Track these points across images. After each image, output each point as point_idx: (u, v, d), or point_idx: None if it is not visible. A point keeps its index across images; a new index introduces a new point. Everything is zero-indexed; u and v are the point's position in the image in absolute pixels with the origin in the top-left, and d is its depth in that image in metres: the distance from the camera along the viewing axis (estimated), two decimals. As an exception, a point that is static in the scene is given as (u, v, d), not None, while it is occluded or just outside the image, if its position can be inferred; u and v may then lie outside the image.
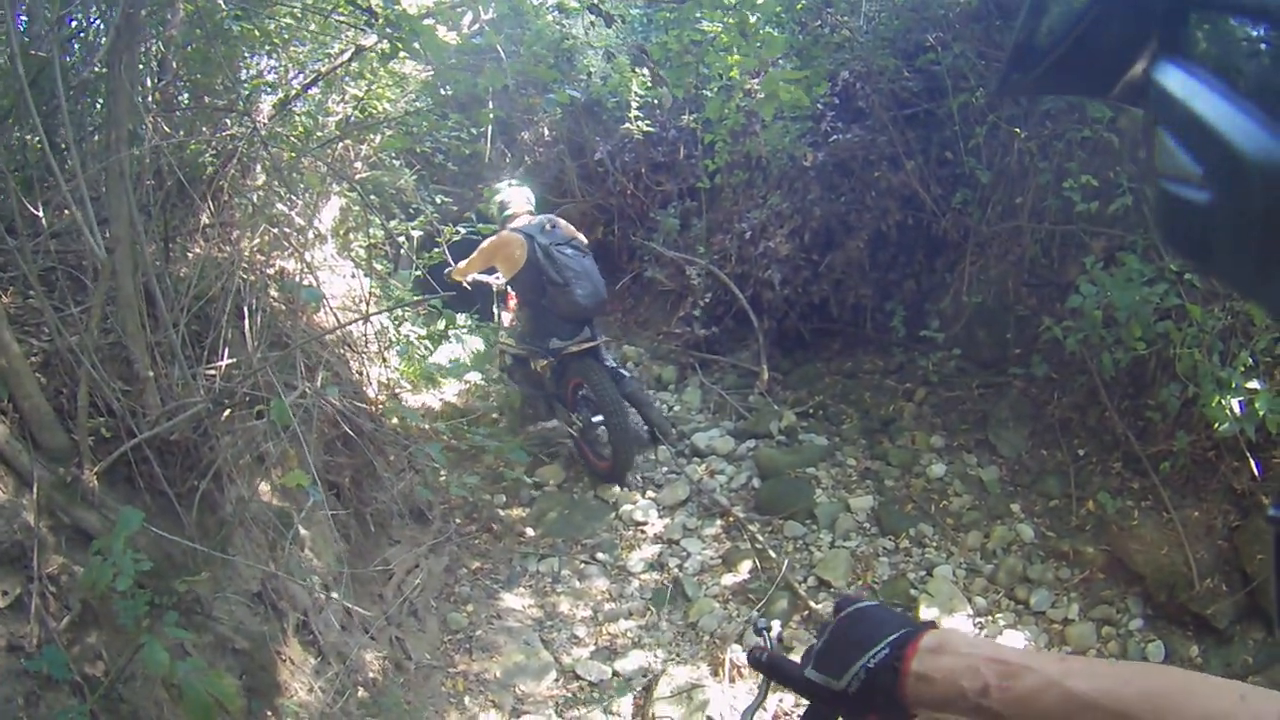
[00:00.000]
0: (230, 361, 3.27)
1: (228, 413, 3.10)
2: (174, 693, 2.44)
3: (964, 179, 5.41)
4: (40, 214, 2.78)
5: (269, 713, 2.91)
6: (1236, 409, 3.59)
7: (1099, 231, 4.72)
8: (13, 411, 2.53)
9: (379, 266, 6.18)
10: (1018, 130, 5.07)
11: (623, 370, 5.63)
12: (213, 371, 3.20)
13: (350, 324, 4.67)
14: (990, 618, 4.04)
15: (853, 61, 5.75)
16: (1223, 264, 0.49)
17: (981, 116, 5.22)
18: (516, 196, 5.72)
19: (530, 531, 5.00)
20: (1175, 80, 0.49)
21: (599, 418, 5.12)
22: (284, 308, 4.12)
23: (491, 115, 6.00)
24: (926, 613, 3.98)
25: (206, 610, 2.85)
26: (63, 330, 2.69)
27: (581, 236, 5.57)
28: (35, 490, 2.42)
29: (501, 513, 5.18)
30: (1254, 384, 3.63)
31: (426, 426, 5.07)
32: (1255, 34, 0.47)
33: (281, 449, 3.41)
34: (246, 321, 3.55)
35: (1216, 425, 3.67)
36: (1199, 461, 4.06)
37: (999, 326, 5.29)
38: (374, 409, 4.62)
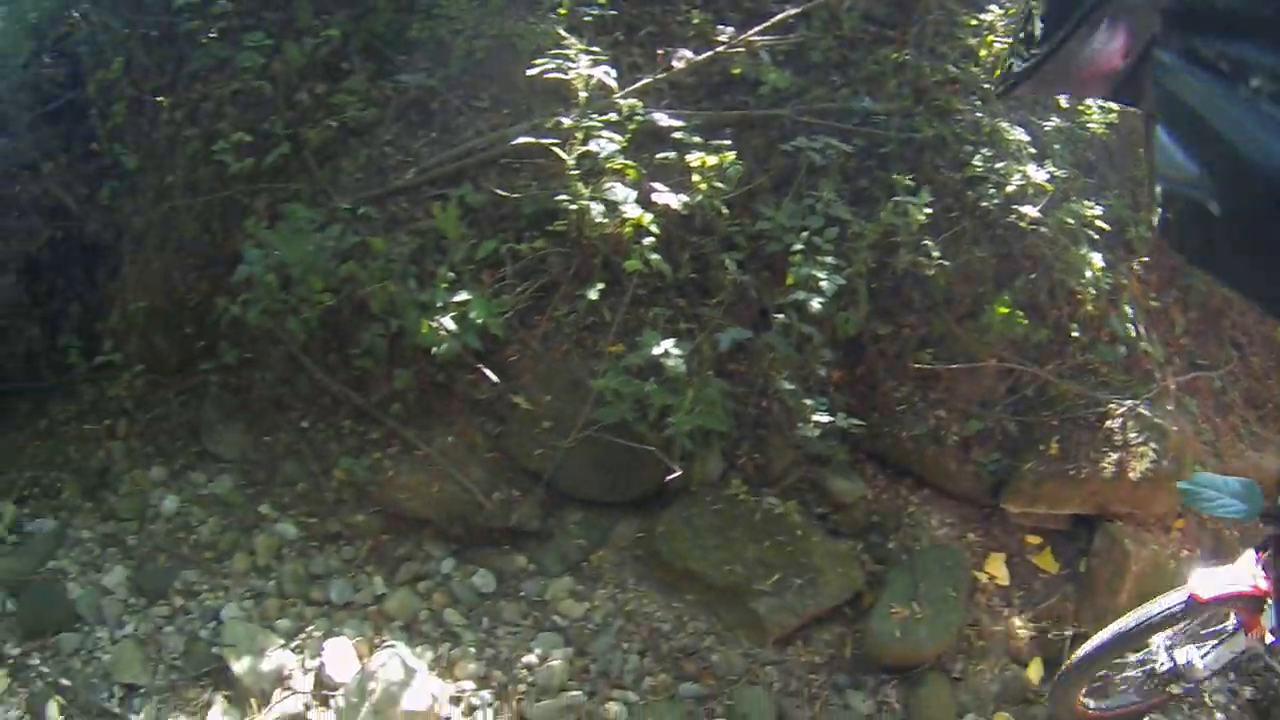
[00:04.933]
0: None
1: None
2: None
3: (111, 170, 4.53)
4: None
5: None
6: (450, 325, 3.46)
7: (260, 189, 4.18)
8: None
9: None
10: (162, 99, 4.40)
11: None
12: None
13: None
14: (304, 634, 3.49)
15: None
16: (1225, 264, 0.49)
17: (122, 92, 4.45)
18: None
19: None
20: (1176, 83, 0.49)
21: None
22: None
23: None
24: (238, 666, 3.32)
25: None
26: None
27: None
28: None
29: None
30: (463, 295, 3.50)
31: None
32: (1256, 42, 0.46)
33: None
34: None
35: (434, 349, 3.50)
36: (431, 389, 3.85)
37: (175, 324, 4.44)
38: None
